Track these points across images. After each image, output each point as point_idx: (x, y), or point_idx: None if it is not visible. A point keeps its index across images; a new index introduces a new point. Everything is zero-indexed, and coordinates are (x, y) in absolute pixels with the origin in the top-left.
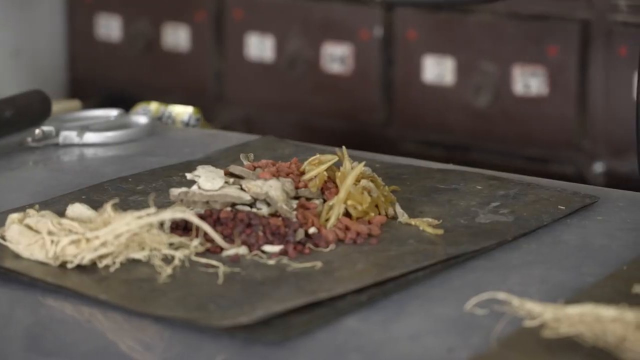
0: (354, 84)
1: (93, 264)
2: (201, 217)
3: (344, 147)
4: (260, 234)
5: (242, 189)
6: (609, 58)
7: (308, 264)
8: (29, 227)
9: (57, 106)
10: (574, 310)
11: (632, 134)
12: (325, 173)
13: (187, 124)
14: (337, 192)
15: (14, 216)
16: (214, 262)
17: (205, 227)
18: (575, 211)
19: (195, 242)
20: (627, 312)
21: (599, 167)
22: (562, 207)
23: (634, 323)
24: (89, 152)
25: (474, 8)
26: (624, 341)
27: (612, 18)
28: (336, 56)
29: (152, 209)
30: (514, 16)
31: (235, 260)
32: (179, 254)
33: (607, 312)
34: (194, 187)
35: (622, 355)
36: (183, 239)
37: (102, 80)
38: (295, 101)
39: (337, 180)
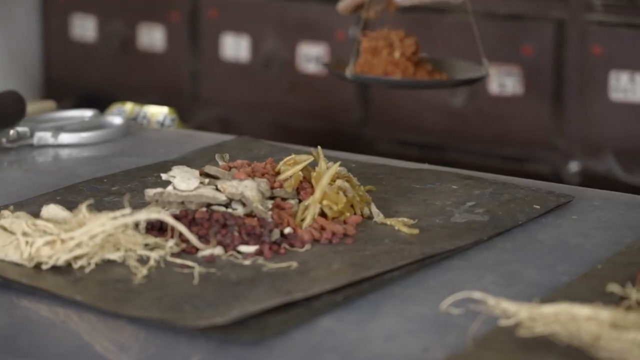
0: (329, 84)
1: (68, 265)
2: (176, 217)
3: (319, 147)
4: (236, 234)
5: (217, 189)
6: (583, 57)
7: (284, 264)
8: (4, 228)
9: (31, 107)
10: (549, 309)
11: (606, 134)
12: (300, 173)
13: (162, 124)
14: (312, 192)
15: None
16: (189, 263)
17: (181, 227)
18: (550, 210)
19: (171, 243)
20: (601, 310)
21: (574, 167)
22: (537, 207)
23: (609, 322)
24: (64, 152)
25: (449, 8)
26: (598, 340)
27: (587, 17)
28: (312, 56)
29: (127, 210)
30: (489, 16)
31: (210, 260)
32: (154, 255)
33: (582, 311)
34: (169, 188)
35: (596, 354)
36: (158, 240)
37: (77, 81)
38: (271, 101)
39: (313, 181)
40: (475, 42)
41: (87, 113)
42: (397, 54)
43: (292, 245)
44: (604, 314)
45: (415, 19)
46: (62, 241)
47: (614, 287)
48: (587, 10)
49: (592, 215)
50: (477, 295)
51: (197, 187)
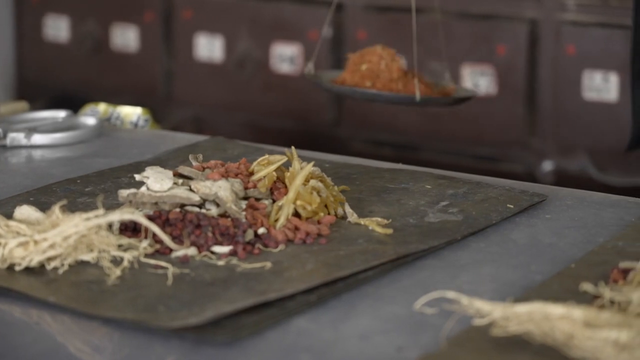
0: (303, 84)
1: (41, 266)
2: (150, 218)
3: (293, 147)
4: (210, 234)
5: (191, 189)
6: (557, 57)
7: (257, 265)
8: None
9: (4, 108)
10: (523, 308)
11: (580, 133)
12: (274, 173)
13: (135, 125)
14: (286, 193)
15: None
16: (163, 263)
17: (154, 228)
18: (523, 210)
19: (144, 244)
20: (575, 309)
21: (547, 166)
22: (510, 206)
23: (582, 320)
24: (37, 153)
25: (423, 8)
26: (571, 338)
27: (560, 17)
28: (286, 56)
29: (101, 211)
30: (463, 16)
31: (184, 261)
32: (128, 256)
33: (555, 310)
34: (143, 188)
35: (570, 353)
36: (132, 240)
37: (50, 82)
38: (245, 101)
39: (286, 181)
40: (449, 43)
41: (60, 114)
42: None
43: (266, 246)
44: (577, 312)
45: (388, 19)
46: (36, 242)
47: (587, 286)
48: (561, 10)
49: (565, 214)
50: (450, 294)
51: (171, 188)
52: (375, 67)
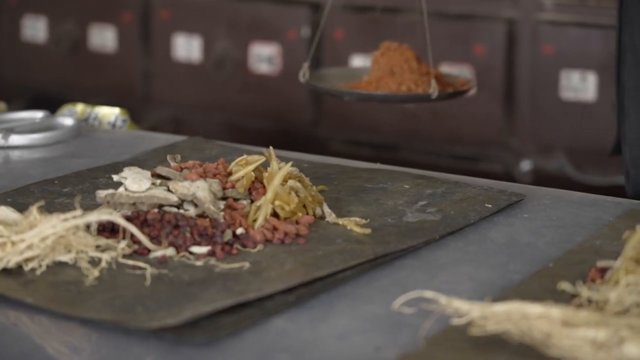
0: (281, 84)
1: (19, 267)
2: (128, 218)
3: (271, 147)
4: (188, 235)
5: (169, 190)
6: (535, 57)
7: (236, 265)
8: None
9: None
10: (501, 307)
11: (558, 132)
12: (252, 173)
13: (113, 125)
14: (264, 193)
15: None
16: (141, 264)
17: (132, 228)
18: (502, 209)
19: (122, 244)
20: (553, 308)
21: (526, 165)
22: (489, 205)
23: (560, 320)
24: (15, 154)
25: (401, 8)
26: (550, 337)
27: (538, 17)
28: (264, 56)
29: (79, 211)
30: (441, 16)
31: (162, 261)
32: (106, 256)
33: (534, 309)
34: (121, 189)
35: (548, 352)
36: (110, 241)
37: (27, 82)
38: (223, 101)
39: (265, 181)
40: (425, 43)
41: (38, 114)
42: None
43: (244, 246)
44: (555, 312)
45: (366, 19)
46: (13, 243)
47: (565, 285)
48: (538, 10)
49: (543, 213)
50: (429, 294)
51: (149, 188)
52: (397, 67)
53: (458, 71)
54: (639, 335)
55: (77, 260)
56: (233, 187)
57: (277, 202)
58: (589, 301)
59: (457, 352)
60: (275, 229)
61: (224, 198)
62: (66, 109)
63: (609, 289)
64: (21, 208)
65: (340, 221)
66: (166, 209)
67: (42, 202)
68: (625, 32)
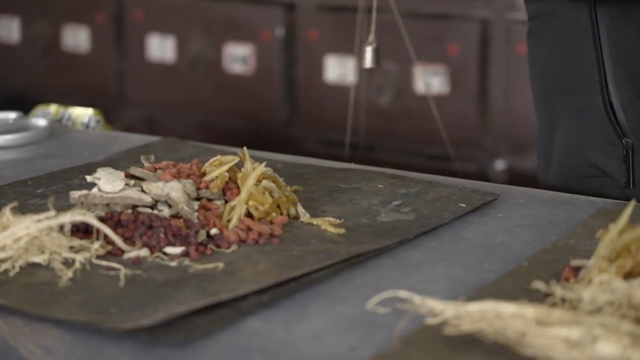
0: (256, 84)
1: None
2: (102, 219)
3: (245, 147)
4: (162, 235)
5: (143, 190)
6: (508, 56)
7: (210, 265)
8: None
9: None
10: (475, 307)
11: (532, 132)
12: (226, 174)
13: (87, 126)
14: (238, 193)
15: None
16: (115, 265)
17: (106, 229)
18: (476, 208)
19: (96, 245)
20: (527, 308)
21: (500, 165)
22: (463, 205)
23: (534, 319)
24: None
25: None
26: (524, 337)
27: (511, 16)
28: (238, 56)
29: (52, 212)
30: (415, 16)
31: (136, 262)
32: (79, 257)
33: (507, 308)
34: (95, 190)
35: (522, 351)
36: (84, 242)
37: (0, 83)
38: (197, 102)
39: (239, 181)
40: (401, 43)
41: (11, 115)
42: None
43: (218, 246)
44: (529, 311)
45: (340, 19)
46: None
47: (539, 285)
48: (512, 10)
49: (517, 213)
50: (403, 294)
51: (123, 189)
52: None
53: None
54: (612, 334)
55: (50, 261)
56: (207, 187)
57: (251, 203)
58: (563, 300)
59: (431, 351)
60: (249, 229)
61: (197, 198)
62: (39, 109)
63: (583, 288)
64: None
65: (315, 221)
66: (140, 209)
67: (15, 203)
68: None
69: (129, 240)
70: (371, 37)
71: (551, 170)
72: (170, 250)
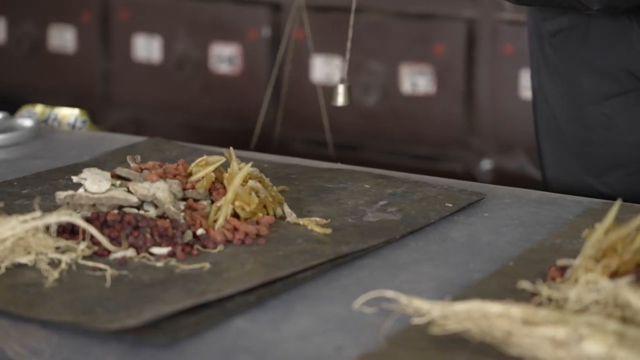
0: (242, 84)
1: None
2: (88, 220)
3: (231, 147)
4: (148, 236)
5: (129, 191)
6: (494, 56)
7: (196, 265)
8: None
9: None
10: (461, 306)
11: (518, 131)
12: (212, 174)
13: (73, 126)
14: (224, 193)
15: None
16: (101, 265)
17: (92, 230)
18: (462, 208)
19: (82, 246)
20: (513, 307)
21: (486, 164)
22: (449, 205)
23: (520, 318)
24: None
25: (361, 8)
26: (510, 336)
27: (498, 17)
28: (224, 57)
29: (38, 213)
30: (401, 15)
31: (122, 262)
32: (65, 258)
33: (494, 307)
34: (81, 190)
35: (508, 350)
36: (70, 243)
37: None
38: (184, 102)
39: (225, 181)
40: (387, 43)
41: None
42: None
43: (204, 247)
44: (515, 310)
45: (327, 19)
46: None
47: (525, 284)
48: (498, 10)
49: (503, 212)
50: (389, 294)
51: (109, 189)
52: None
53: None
54: (598, 333)
55: (36, 262)
56: (193, 187)
57: (237, 203)
58: (549, 300)
59: (417, 351)
60: (235, 229)
61: (184, 199)
62: (25, 110)
63: (569, 287)
64: None
65: (301, 221)
66: (126, 210)
67: (1, 204)
68: (534, 78)
69: (115, 240)
70: (344, 72)
71: (609, 175)
72: (156, 250)
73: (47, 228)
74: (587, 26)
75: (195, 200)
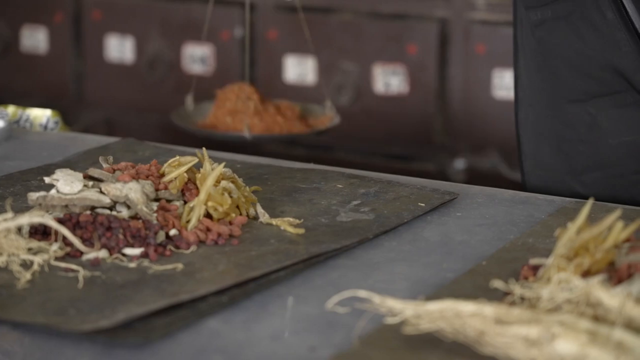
0: (215, 85)
1: None
2: (60, 221)
3: (204, 148)
4: (121, 237)
5: (101, 192)
6: (467, 56)
7: (169, 266)
8: None
9: None
10: (434, 306)
11: (491, 131)
12: (185, 175)
13: (45, 127)
14: (197, 194)
15: None
16: (73, 266)
17: (64, 231)
18: (435, 208)
19: (55, 247)
20: (485, 306)
21: (459, 164)
22: (422, 204)
23: (493, 317)
24: None
25: (334, 8)
26: (483, 335)
27: (470, 16)
28: (197, 57)
29: (10, 214)
30: (374, 15)
31: (95, 264)
32: (38, 259)
33: (467, 307)
34: (53, 191)
35: (481, 349)
36: (42, 244)
37: None
38: (157, 102)
39: (198, 182)
40: (360, 43)
41: None
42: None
43: (177, 247)
44: (488, 309)
45: (299, 19)
46: None
47: (497, 283)
48: (470, 10)
49: (476, 212)
50: (363, 293)
51: (81, 190)
52: (233, 105)
53: (322, 106)
54: (570, 332)
55: (8, 263)
56: (166, 188)
57: (210, 203)
58: (522, 299)
59: (391, 351)
60: (208, 229)
61: (156, 199)
62: None
63: (541, 286)
64: None
65: (274, 221)
66: (98, 210)
67: None
68: (516, 68)
69: (87, 241)
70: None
71: (589, 175)
72: (129, 251)
73: (19, 229)
74: (571, 19)
75: (168, 201)
